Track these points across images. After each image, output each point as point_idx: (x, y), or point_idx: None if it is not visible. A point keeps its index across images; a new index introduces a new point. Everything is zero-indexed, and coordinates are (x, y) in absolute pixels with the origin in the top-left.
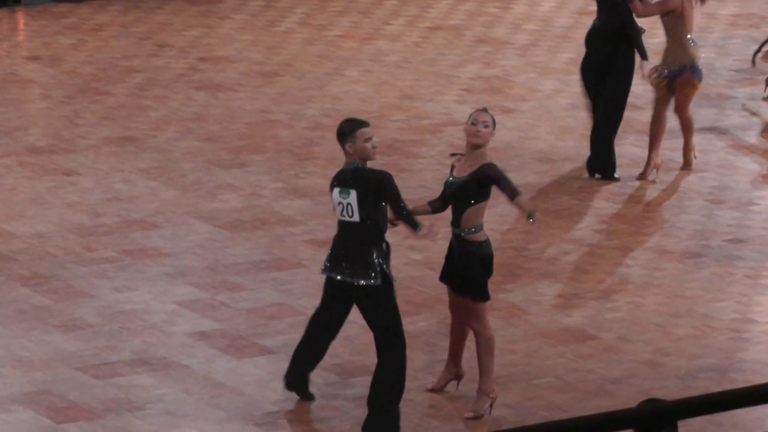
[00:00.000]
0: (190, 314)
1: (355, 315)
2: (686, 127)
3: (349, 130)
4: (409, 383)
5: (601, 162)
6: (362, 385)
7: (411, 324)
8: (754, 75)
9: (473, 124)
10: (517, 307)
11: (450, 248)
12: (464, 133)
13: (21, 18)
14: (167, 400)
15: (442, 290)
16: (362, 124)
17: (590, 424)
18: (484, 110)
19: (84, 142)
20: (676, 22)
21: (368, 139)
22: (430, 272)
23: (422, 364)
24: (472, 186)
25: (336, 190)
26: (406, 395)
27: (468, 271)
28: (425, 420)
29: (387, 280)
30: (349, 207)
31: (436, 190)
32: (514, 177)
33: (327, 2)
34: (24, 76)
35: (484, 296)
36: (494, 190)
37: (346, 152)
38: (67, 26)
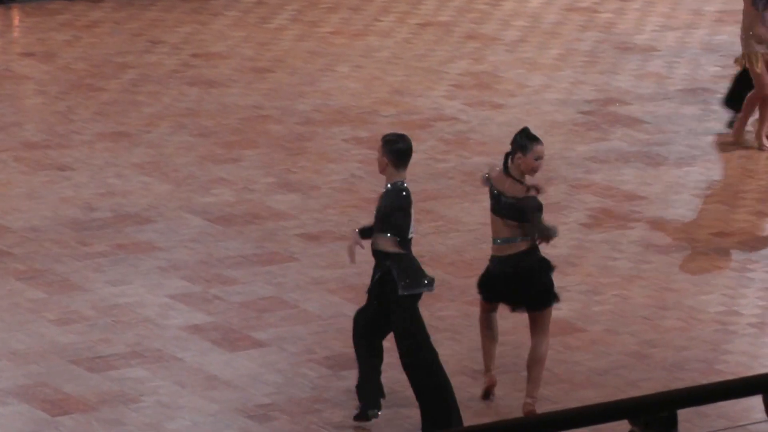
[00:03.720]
0: (184, 307)
1: (346, 307)
2: None
3: (407, 154)
4: (399, 375)
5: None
6: (354, 377)
7: None
8: None
9: (537, 159)
10: None
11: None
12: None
13: (15, 15)
14: (161, 392)
15: (438, 287)
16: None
17: (582, 416)
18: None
19: (78, 138)
20: None
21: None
22: (427, 269)
23: None
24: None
25: None
26: (403, 392)
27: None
28: (414, 411)
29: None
30: None
31: (427, 185)
32: None
33: None
34: (18, 72)
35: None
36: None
37: (396, 170)
38: (61, 23)
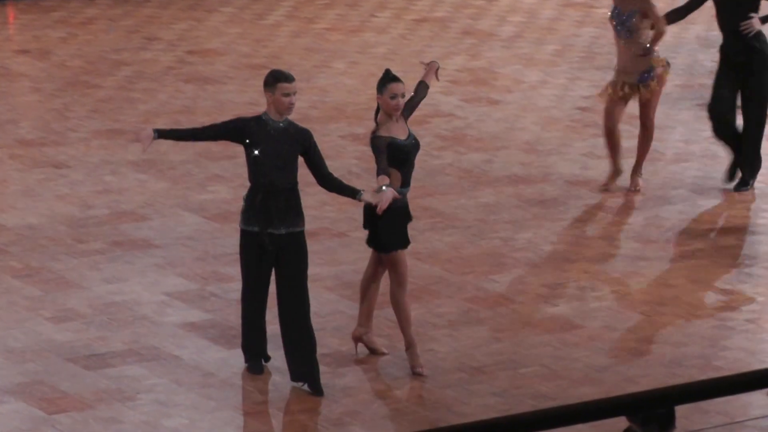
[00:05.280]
0: (181, 305)
1: (343, 305)
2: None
3: (271, 80)
4: (397, 372)
5: (749, 167)
6: (352, 375)
7: None
8: None
9: (392, 97)
10: (503, 296)
11: (399, 210)
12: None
13: (10, 12)
14: (158, 390)
15: (431, 280)
16: (286, 78)
17: (580, 412)
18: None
19: (74, 135)
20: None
21: (287, 95)
22: (417, 263)
23: None
24: None
25: None
26: (391, 382)
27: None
28: (412, 408)
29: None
30: None
31: (423, 181)
32: (500, 167)
33: None
34: (14, 69)
35: None
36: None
37: (267, 101)
38: (56, 20)
